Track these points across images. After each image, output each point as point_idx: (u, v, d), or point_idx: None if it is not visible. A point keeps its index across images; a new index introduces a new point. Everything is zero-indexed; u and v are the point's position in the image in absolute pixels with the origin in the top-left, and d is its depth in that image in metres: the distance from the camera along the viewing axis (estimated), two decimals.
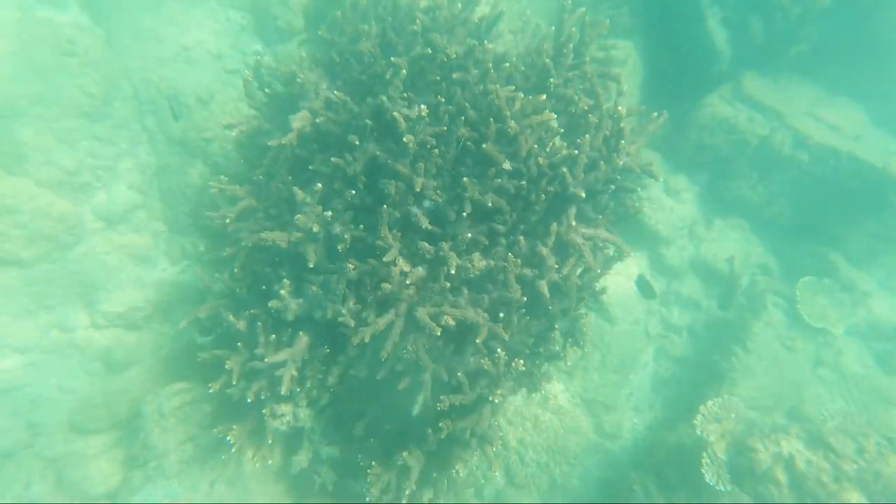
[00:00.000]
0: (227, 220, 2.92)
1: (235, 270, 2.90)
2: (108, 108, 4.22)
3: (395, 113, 2.44)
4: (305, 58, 3.13)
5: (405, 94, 2.71)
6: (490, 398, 2.54)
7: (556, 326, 2.86)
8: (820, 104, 5.28)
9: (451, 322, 2.39)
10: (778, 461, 3.35)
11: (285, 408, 2.75)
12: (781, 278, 5.61)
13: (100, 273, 4.05)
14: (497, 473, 4.45)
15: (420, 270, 2.49)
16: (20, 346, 3.72)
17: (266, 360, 2.46)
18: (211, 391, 2.66)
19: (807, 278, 5.12)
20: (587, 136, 2.73)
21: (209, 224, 3.05)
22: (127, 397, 3.52)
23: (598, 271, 3.12)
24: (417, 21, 2.82)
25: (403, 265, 2.51)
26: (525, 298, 2.52)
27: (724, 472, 3.51)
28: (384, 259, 2.38)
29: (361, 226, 2.55)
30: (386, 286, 2.37)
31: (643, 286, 3.70)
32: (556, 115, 2.99)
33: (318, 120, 2.82)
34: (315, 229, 2.41)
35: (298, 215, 2.47)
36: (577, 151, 2.60)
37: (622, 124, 2.81)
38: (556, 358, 3.02)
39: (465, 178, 2.41)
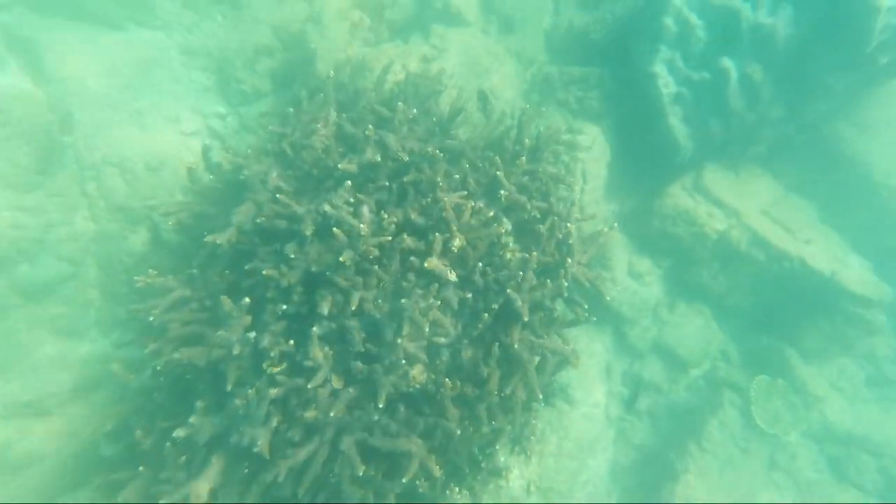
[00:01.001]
0: (152, 315, 2.83)
1: (157, 369, 2.79)
2: (42, 178, 4.13)
3: (334, 230, 2.46)
4: (254, 151, 3.17)
5: (351, 200, 2.75)
6: None
7: (498, 447, 2.83)
8: (776, 202, 5.60)
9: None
10: None
11: None
12: (740, 367, 5.75)
13: (10, 354, 3.84)
14: None
15: (351, 391, 2.44)
16: None
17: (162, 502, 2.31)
18: None
19: (761, 378, 5.27)
20: (534, 253, 2.81)
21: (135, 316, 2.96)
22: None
23: (545, 382, 3.13)
24: (369, 129, 2.89)
25: (336, 381, 2.46)
26: (459, 431, 2.49)
27: None
28: (311, 384, 2.33)
29: (291, 341, 2.50)
30: (310, 414, 2.31)
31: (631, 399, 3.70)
32: (508, 225, 3.08)
33: (260, 218, 2.81)
34: (236, 351, 2.35)
35: (220, 331, 2.41)
36: (522, 274, 2.65)
37: (570, 241, 2.91)
38: (496, 475, 2.97)
39: (402, 300, 2.42)
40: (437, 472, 2.39)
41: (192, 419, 2.34)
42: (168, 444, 2.37)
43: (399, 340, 2.39)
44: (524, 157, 3.01)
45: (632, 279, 5.50)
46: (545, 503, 4.65)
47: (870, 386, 5.57)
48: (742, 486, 5.05)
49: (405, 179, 2.88)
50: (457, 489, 2.61)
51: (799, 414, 5.11)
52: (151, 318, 2.76)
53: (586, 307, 3.04)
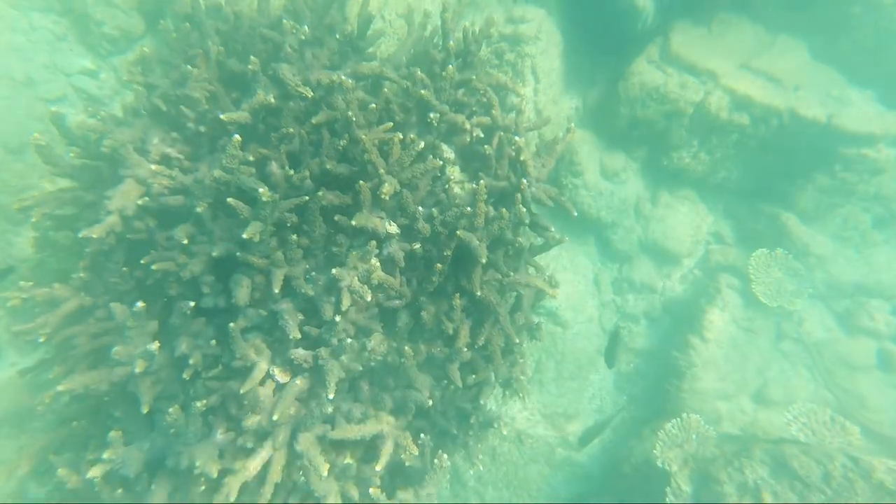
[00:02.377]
0: (41, 335, 2.54)
1: (61, 390, 2.54)
2: None
3: (229, 200, 2.13)
4: (116, 112, 2.71)
5: (250, 158, 2.39)
6: None
7: (484, 399, 2.74)
8: (758, 50, 5.27)
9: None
10: (744, 493, 3.46)
11: None
12: (736, 246, 5.76)
13: None
14: None
15: (299, 382, 2.26)
16: None
17: None
18: None
19: (758, 252, 5.26)
20: (483, 180, 2.53)
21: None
22: None
23: (525, 318, 3.01)
24: (253, 62, 2.45)
25: (280, 375, 2.27)
26: (430, 402, 2.36)
27: None
28: (243, 388, 2.12)
29: (214, 341, 2.26)
30: (252, 419, 2.13)
31: (611, 352, 3.63)
32: (450, 153, 2.78)
33: (142, 200, 2.44)
34: (139, 369, 2.10)
35: (117, 347, 2.15)
36: (471, 209, 2.40)
37: (523, 157, 2.63)
38: (488, 426, 2.92)
39: (334, 270, 2.16)
40: (414, 449, 2.29)
41: (106, 454, 2.14)
42: (97, 478, 2.19)
43: (337, 318, 2.17)
44: (452, 67, 2.63)
45: (606, 180, 5.30)
46: (552, 430, 4.80)
47: (878, 228, 5.50)
48: (750, 364, 5.21)
49: (313, 121, 2.51)
50: (445, 455, 2.54)
51: (802, 280, 5.14)
52: (41, 340, 2.48)
53: (553, 230, 2.83)
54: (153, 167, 2.37)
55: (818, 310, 5.51)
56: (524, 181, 2.65)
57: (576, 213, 2.87)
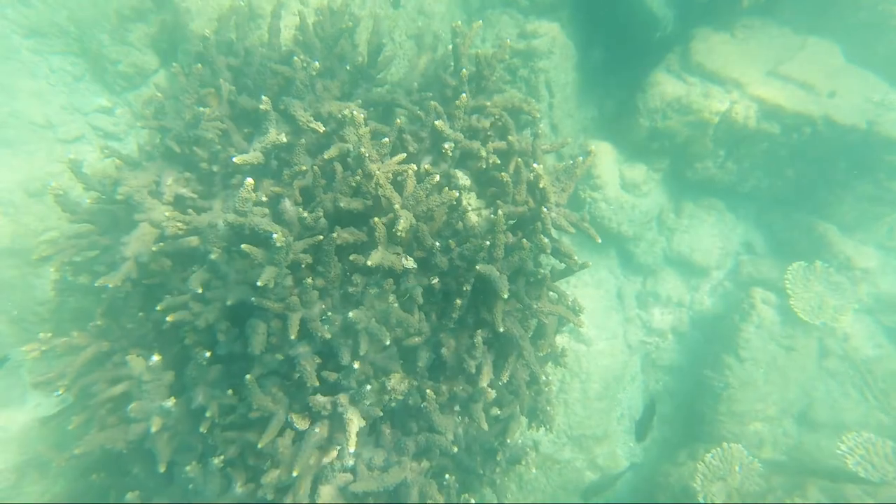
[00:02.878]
0: (61, 386, 2.54)
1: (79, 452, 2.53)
2: None
3: (244, 246, 2.10)
4: (131, 147, 2.73)
5: (263, 199, 2.37)
6: None
7: (507, 440, 2.64)
8: (786, 54, 5.10)
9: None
10: None
11: None
12: (769, 258, 5.56)
13: None
14: None
15: (318, 430, 2.20)
16: None
17: None
18: None
19: (795, 265, 5.03)
20: (501, 209, 2.46)
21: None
22: None
23: (549, 346, 2.92)
24: (264, 101, 2.44)
25: (299, 422, 2.21)
26: (456, 449, 2.28)
27: None
28: (264, 438, 2.07)
29: (231, 390, 2.23)
30: (271, 475, 2.07)
31: (643, 425, 3.48)
32: (465, 180, 2.72)
33: (157, 245, 2.44)
34: (155, 427, 2.07)
35: (133, 403, 2.13)
36: (491, 240, 2.33)
37: (542, 184, 2.55)
38: (516, 461, 2.82)
39: (351, 313, 2.11)
40: (440, 498, 2.21)
41: None
42: None
43: (355, 364, 2.11)
44: (465, 95, 2.58)
45: (627, 192, 5.17)
46: (579, 452, 4.64)
47: None
48: (793, 384, 4.95)
49: (325, 155, 2.48)
50: (472, 499, 2.44)
51: (846, 294, 4.88)
52: (59, 393, 2.48)
53: (576, 258, 2.74)
54: (167, 213, 2.36)
55: (866, 324, 5.22)
56: (544, 209, 2.57)
57: (599, 240, 2.78)
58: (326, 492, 2.08)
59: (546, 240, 2.42)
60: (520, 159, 2.67)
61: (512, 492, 4.78)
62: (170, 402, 2.06)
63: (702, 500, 3.50)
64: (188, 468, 2.02)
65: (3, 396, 3.91)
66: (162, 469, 2.08)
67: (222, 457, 2.07)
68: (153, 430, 2.03)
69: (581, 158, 2.68)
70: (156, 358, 2.11)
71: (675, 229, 5.56)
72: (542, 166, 2.52)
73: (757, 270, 5.53)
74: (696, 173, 5.37)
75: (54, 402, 4.04)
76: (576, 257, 2.67)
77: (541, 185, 2.53)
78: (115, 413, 2.58)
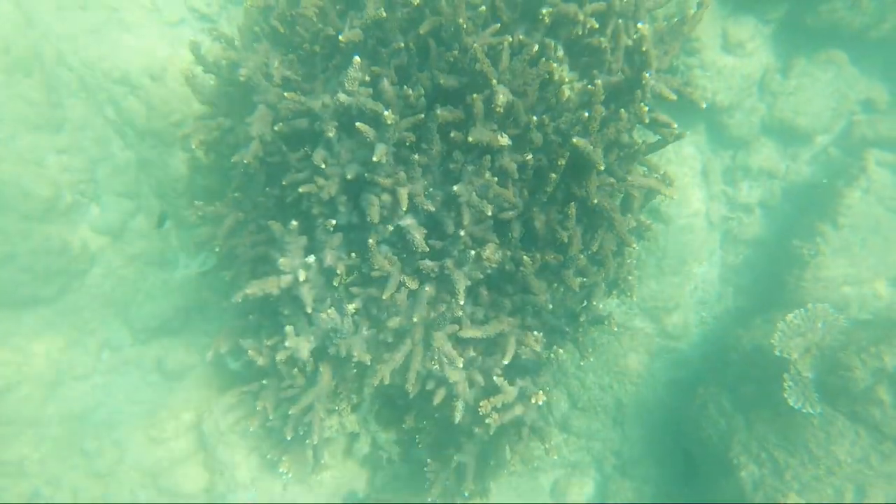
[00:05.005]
0: (217, 247, 3.03)
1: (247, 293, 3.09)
2: (61, 111, 4.19)
3: (358, 125, 2.27)
4: (243, 34, 2.87)
5: (366, 79, 2.47)
6: (533, 394, 2.73)
7: (593, 301, 2.89)
8: None
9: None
10: (880, 379, 3.36)
11: (331, 421, 3.13)
12: (893, 112, 4.96)
13: (125, 288, 4.45)
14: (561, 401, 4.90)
15: (428, 289, 2.54)
16: (80, 373, 4.33)
17: (290, 411, 2.76)
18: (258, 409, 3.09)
19: None
20: (598, 80, 2.42)
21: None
22: (191, 405, 4.10)
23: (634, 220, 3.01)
24: None
25: (410, 283, 2.56)
26: (550, 306, 2.55)
27: (812, 393, 3.59)
28: (385, 294, 2.44)
29: (353, 253, 2.57)
30: (393, 322, 2.47)
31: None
32: (559, 51, 2.65)
33: (277, 126, 2.67)
34: (302, 278, 2.48)
35: (282, 258, 2.53)
36: (587, 113, 2.34)
37: (644, 47, 2.44)
38: (598, 323, 3.09)
39: (455, 187, 2.29)
40: (535, 345, 2.55)
41: (286, 343, 2.65)
42: (278, 359, 2.74)
43: (461, 232, 2.35)
44: None
45: (728, 54, 4.64)
46: (650, 322, 4.87)
47: None
48: (892, 247, 4.68)
49: (420, 30, 2.49)
50: (560, 350, 2.79)
51: None
52: (217, 250, 2.98)
53: (675, 126, 2.68)
54: (287, 95, 2.56)
55: None
56: (646, 75, 2.49)
57: (704, 106, 2.66)
58: (438, 336, 2.48)
59: (646, 108, 2.39)
60: (620, 21, 2.54)
61: (588, 352, 5.19)
62: (311, 259, 2.47)
63: (777, 353, 3.66)
64: (327, 312, 2.47)
65: (159, 257, 4.67)
66: (308, 311, 2.56)
67: (355, 304, 2.49)
68: (300, 279, 2.47)
69: (693, 12, 2.49)
70: (294, 223, 2.48)
71: (779, 93, 4.96)
72: (646, 26, 2.39)
73: (873, 131, 4.95)
74: (818, 18, 4.67)
75: (197, 263, 4.79)
76: (674, 126, 2.62)
77: (643, 49, 2.42)
78: (256, 270, 3.08)
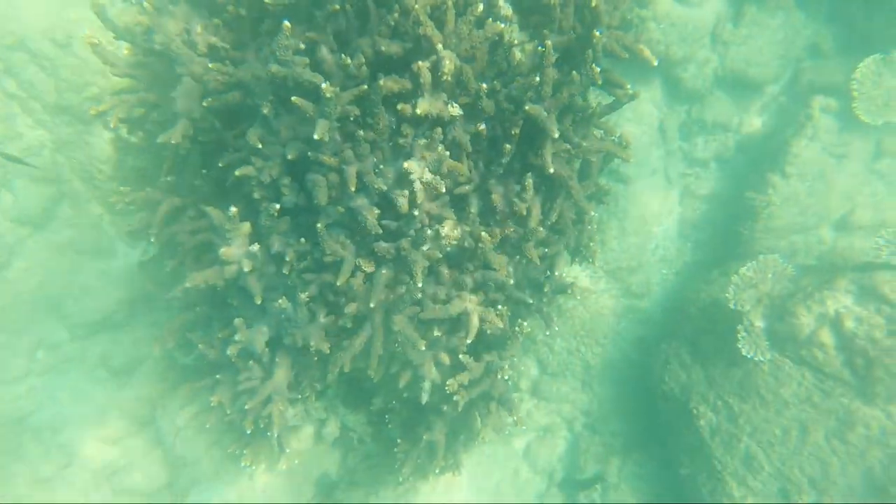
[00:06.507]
0: (152, 235, 2.82)
1: (188, 286, 2.91)
2: None
3: (293, 99, 2.10)
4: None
5: (301, 46, 2.27)
6: (500, 368, 2.72)
7: (553, 273, 2.88)
8: None
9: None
10: (823, 323, 3.53)
11: (294, 410, 3.06)
12: (838, 58, 5.02)
13: (56, 282, 4.15)
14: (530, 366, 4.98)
15: (385, 272, 2.45)
16: (13, 376, 4.07)
17: (247, 405, 2.66)
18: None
19: (868, 60, 4.43)
20: (549, 40, 2.30)
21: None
22: (144, 401, 3.94)
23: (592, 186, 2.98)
24: None
25: (366, 265, 2.46)
26: (511, 281, 2.51)
27: (763, 341, 3.76)
28: (339, 281, 2.33)
29: (303, 238, 2.43)
30: (350, 307, 2.38)
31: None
32: (507, 9, 2.51)
33: (206, 101, 2.45)
34: (247, 268, 2.33)
35: (223, 248, 2.37)
36: (538, 77, 2.23)
37: (594, 2, 2.33)
38: (562, 291, 3.09)
39: (405, 164, 2.18)
40: (499, 322, 2.52)
41: (237, 336, 2.53)
42: (230, 350, 2.61)
43: (415, 212, 2.25)
44: None
45: (681, 4, 4.59)
46: (615, 283, 4.95)
47: None
48: (838, 193, 4.83)
49: None
50: (525, 323, 2.78)
51: None
52: (152, 239, 2.78)
53: (629, 87, 2.62)
54: (210, 65, 2.33)
55: None
56: (596, 33, 2.39)
57: (655, 63, 2.61)
58: (398, 320, 2.41)
59: (598, 69, 2.31)
60: None
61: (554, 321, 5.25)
62: (255, 248, 2.32)
63: (732, 307, 3.80)
64: (280, 302, 2.36)
65: (94, 246, 4.36)
66: (258, 302, 2.43)
67: (307, 293, 2.38)
68: (246, 269, 2.33)
69: None
70: (233, 209, 2.31)
71: (730, 42, 4.97)
72: None
73: (819, 75, 5.00)
74: None
75: (138, 252, 4.50)
76: (628, 86, 2.56)
77: (592, 5, 2.32)
78: (201, 258, 2.90)
